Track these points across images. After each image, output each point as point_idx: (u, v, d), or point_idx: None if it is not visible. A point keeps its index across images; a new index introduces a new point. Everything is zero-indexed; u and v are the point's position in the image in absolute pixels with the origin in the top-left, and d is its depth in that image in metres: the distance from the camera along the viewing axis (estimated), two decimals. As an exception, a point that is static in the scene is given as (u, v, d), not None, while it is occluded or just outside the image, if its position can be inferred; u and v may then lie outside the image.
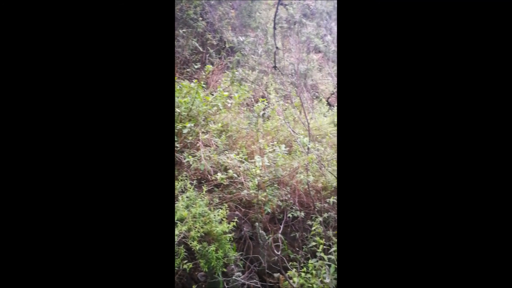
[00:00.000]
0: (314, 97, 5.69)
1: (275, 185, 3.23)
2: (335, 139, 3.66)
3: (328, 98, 6.76)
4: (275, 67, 3.67)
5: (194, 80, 3.87)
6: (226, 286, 2.46)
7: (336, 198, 3.11)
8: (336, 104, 5.67)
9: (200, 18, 5.09)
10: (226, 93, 3.85)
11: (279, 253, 2.81)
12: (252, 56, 5.27)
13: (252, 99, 4.53)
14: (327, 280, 2.14)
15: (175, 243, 2.23)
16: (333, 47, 5.78)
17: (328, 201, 3.08)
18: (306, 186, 3.20)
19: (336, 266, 2.45)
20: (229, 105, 3.93)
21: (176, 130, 3.25)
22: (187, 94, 3.47)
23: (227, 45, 5.33)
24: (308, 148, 3.16)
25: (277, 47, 4.61)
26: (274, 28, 3.15)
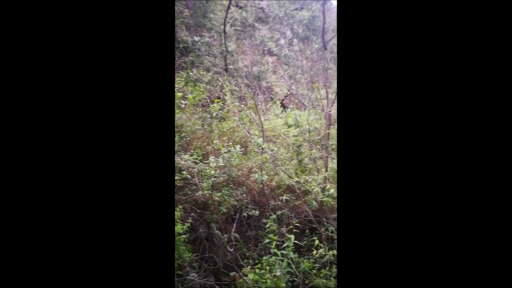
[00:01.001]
0: (269, 99, 5.84)
1: (230, 185, 3.27)
2: (288, 140, 3.80)
3: (283, 100, 6.97)
4: (226, 69, 3.71)
5: (146, 80, 3.75)
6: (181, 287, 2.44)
7: (288, 196, 3.24)
8: (289, 106, 5.87)
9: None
10: (180, 94, 3.80)
11: (234, 251, 2.85)
12: (207, 57, 5.26)
13: (208, 100, 4.52)
14: (278, 274, 2.23)
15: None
16: (287, 51, 5.98)
17: (281, 198, 3.19)
18: (261, 185, 3.28)
19: (288, 261, 2.55)
20: (183, 105, 3.88)
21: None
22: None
23: (181, 45, 5.25)
24: (262, 149, 3.25)
25: (227, 50, 4.64)
26: (224, 32, 3.18)
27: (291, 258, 2.61)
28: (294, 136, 3.31)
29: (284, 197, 3.14)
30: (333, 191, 2.82)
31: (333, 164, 3.30)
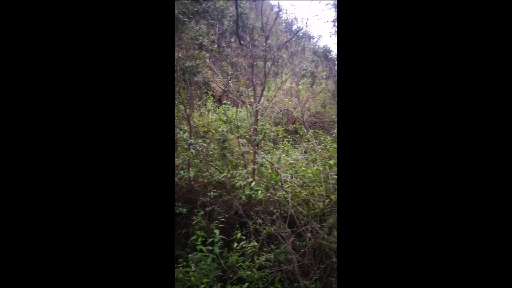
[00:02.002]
0: (204, 94, 5.76)
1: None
2: (218, 135, 3.80)
3: (220, 96, 6.95)
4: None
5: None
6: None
7: (217, 192, 3.24)
8: (226, 102, 5.87)
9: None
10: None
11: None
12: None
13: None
14: (193, 269, 2.22)
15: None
16: (218, 47, 5.95)
17: (209, 194, 3.18)
18: (190, 182, 3.23)
19: (213, 256, 2.55)
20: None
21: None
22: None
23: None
24: (190, 144, 3.19)
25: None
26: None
27: (219, 253, 2.62)
28: (222, 131, 3.31)
29: (212, 193, 3.12)
30: (254, 184, 2.88)
31: (259, 158, 3.38)
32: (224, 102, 5.62)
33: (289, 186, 2.84)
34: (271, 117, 6.36)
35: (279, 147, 3.95)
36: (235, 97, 4.60)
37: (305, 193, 2.82)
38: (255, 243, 2.52)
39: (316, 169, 2.82)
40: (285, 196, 2.63)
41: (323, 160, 2.85)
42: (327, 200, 2.86)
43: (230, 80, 5.58)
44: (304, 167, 3.29)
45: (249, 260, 2.54)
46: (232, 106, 5.61)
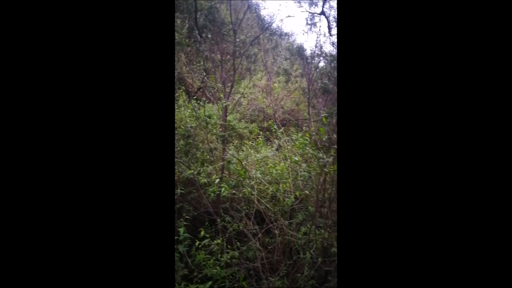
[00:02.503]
0: (178, 89, 5.64)
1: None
2: (182, 130, 3.72)
3: (196, 92, 6.83)
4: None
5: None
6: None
7: (182, 189, 3.17)
8: (202, 98, 5.78)
9: None
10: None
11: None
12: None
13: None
14: None
15: None
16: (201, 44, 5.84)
17: (177, 192, 3.11)
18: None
19: (178, 255, 2.50)
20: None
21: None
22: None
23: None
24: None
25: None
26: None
27: (185, 251, 2.56)
28: (191, 126, 3.25)
29: (178, 191, 3.06)
30: (218, 181, 2.84)
31: (226, 154, 3.34)
32: (195, 97, 5.54)
33: (256, 183, 2.83)
34: (247, 114, 6.33)
35: (249, 144, 3.93)
36: (207, 94, 4.53)
37: (272, 189, 2.81)
38: (219, 241, 2.49)
39: (282, 165, 2.82)
40: (252, 193, 2.61)
41: (291, 158, 2.85)
42: (292, 196, 2.87)
43: (205, 76, 5.48)
44: (273, 164, 3.28)
45: (214, 258, 2.50)
46: (208, 102, 5.54)
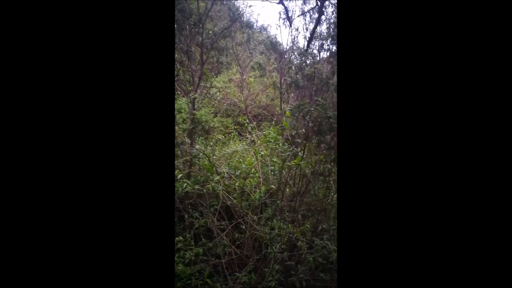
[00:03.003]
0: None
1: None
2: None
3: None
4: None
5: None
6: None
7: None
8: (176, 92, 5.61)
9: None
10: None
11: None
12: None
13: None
14: None
15: None
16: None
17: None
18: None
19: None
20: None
21: None
22: None
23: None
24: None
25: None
26: None
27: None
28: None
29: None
30: (181, 176, 2.78)
31: (193, 149, 3.27)
32: (177, 92, 5.39)
33: (223, 178, 2.78)
34: (222, 109, 6.24)
35: (217, 138, 3.87)
36: (179, 87, 4.42)
37: (239, 184, 2.77)
38: (181, 238, 2.43)
39: (249, 160, 2.79)
40: (219, 188, 2.56)
41: (256, 151, 2.82)
42: (259, 190, 2.84)
43: (179, 69, 5.34)
44: (243, 158, 3.24)
45: (177, 255, 2.44)
46: (183, 96, 5.40)
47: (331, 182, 3.03)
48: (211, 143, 3.48)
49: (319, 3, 5.13)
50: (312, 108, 2.15)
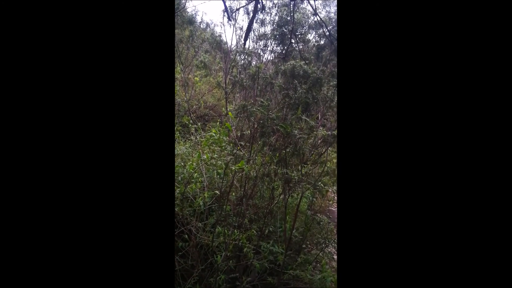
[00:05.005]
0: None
1: None
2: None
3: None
4: None
5: None
6: None
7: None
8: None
9: None
10: None
11: None
12: None
13: None
14: None
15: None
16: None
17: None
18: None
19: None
20: None
21: None
22: None
23: None
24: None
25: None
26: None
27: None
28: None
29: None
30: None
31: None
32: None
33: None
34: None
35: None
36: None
37: (179, 190, 2.59)
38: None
39: (190, 164, 2.62)
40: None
41: (199, 154, 2.66)
42: (201, 196, 2.69)
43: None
44: (186, 162, 3.05)
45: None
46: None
47: (277, 184, 3.00)
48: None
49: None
50: (255, 109, 2.07)
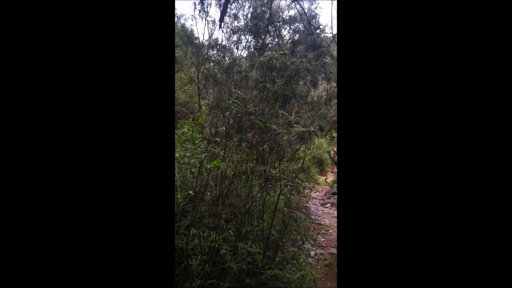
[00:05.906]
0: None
1: None
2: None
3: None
4: None
5: None
6: None
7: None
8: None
9: None
10: None
11: None
12: None
13: None
14: None
15: None
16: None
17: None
18: None
19: None
20: None
21: None
22: None
23: None
24: None
25: None
26: None
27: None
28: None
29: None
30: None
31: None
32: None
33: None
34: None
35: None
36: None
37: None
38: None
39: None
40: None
41: (177, 153, 2.49)
42: (175, 196, 2.53)
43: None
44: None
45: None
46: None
47: (254, 181, 2.89)
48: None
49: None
50: (231, 102, 1.94)
